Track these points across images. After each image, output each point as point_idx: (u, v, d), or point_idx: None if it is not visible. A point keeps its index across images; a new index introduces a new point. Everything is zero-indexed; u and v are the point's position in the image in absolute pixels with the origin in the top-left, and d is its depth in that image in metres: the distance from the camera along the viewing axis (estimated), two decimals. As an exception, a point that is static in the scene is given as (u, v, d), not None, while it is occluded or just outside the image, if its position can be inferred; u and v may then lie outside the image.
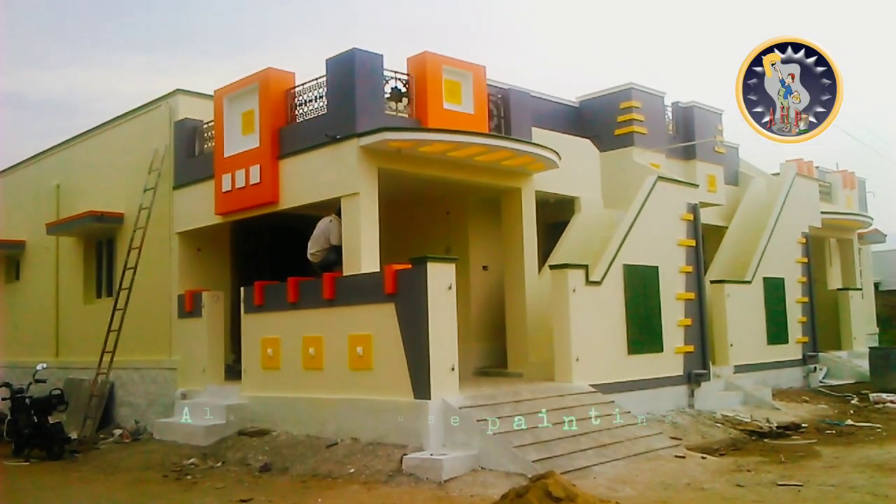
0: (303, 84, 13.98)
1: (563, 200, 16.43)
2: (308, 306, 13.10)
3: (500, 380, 14.23)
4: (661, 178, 16.12)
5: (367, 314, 12.08)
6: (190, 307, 15.64)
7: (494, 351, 15.97)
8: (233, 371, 15.37)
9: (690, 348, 15.87)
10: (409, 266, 11.47)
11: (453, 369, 11.36)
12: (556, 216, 16.97)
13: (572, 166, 15.85)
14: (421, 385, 11.20)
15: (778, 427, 14.72)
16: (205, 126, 16.21)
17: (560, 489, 7.08)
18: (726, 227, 20.99)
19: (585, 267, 13.96)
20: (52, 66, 61.08)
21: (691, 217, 16.43)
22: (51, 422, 14.24)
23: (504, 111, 14.94)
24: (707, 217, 19.48)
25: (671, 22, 69.19)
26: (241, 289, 14.53)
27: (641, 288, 15.02)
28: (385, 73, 13.29)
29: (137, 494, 11.14)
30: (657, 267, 15.43)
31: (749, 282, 19.12)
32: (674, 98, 20.02)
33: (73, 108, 59.22)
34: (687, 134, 19.84)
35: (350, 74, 12.82)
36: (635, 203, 15.46)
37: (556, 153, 14.38)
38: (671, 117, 19.80)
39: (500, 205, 15.42)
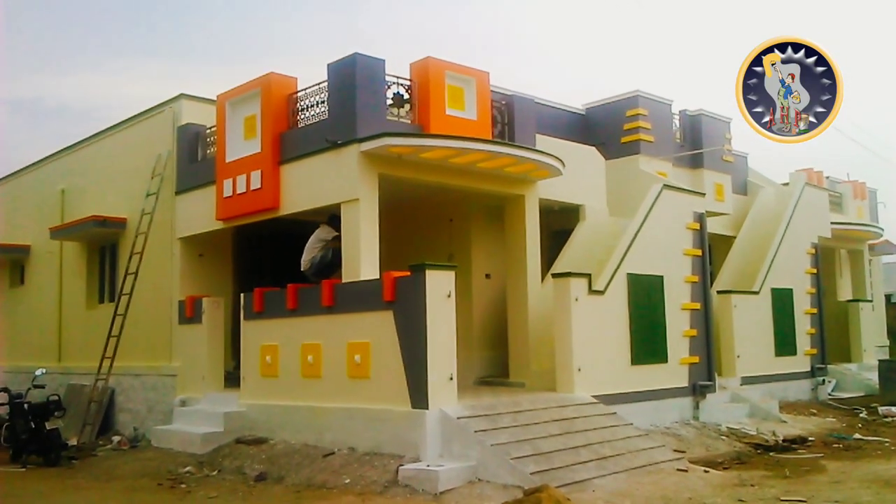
0: (304, 89, 13.87)
1: (568, 208, 16.25)
2: (307, 313, 12.96)
3: (500, 389, 14.04)
4: (666, 186, 15.93)
5: (365, 322, 11.92)
6: (190, 313, 15.53)
7: (496, 360, 15.77)
8: (233, 378, 15.22)
9: (696, 359, 15.64)
10: (408, 273, 11.30)
11: (451, 378, 11.18)
12: (560, 224, 16.79)
13: (577, 174, 15.67)
14: (418, 394, 11.02)
15: (784, 440, 14.45)
16: (208, 131, 16.13)
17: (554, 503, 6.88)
18: (734, 237, 20.78)
19: (589, 276, 13.77)
20: (64, 72, 61.23)
21: (698, 226, 16.22)
22: (48, 428, 14.13)
23: (508, 118, 14.79)
24: (715, 226, 19.29)
25: (678, 30, 69.04)
26: (241, 295, 14.40)
27: (646, 297, 14.81)
28: (387, 78, 13.17)
29: (129, 503, 10.99)
30: (662, 276, 15.22)
31: (757, 292, 18.87)
32: (681, 106, 19.84)
33: (84, 114, 59.44)
34: (694, 142, 19.64)
35: (351, 79, 12.69)
36: (640, 211, 15.27)
37: (560, 160, 14.21)
38: (678, 125, 19.60)
39: (503, 212, 15.25)
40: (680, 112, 19.75)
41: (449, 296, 11.26)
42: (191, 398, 15.40)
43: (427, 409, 10.87)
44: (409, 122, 13.36)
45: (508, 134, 14.69)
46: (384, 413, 11.42)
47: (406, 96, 13.42)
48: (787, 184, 22.88)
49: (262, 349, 13.72)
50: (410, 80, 13.48)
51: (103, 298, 19.27)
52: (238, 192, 14.53)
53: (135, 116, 18.24)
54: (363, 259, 12.39)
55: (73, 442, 15.83)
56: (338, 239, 13.25)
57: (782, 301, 19.62)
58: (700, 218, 16.33)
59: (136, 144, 18.08)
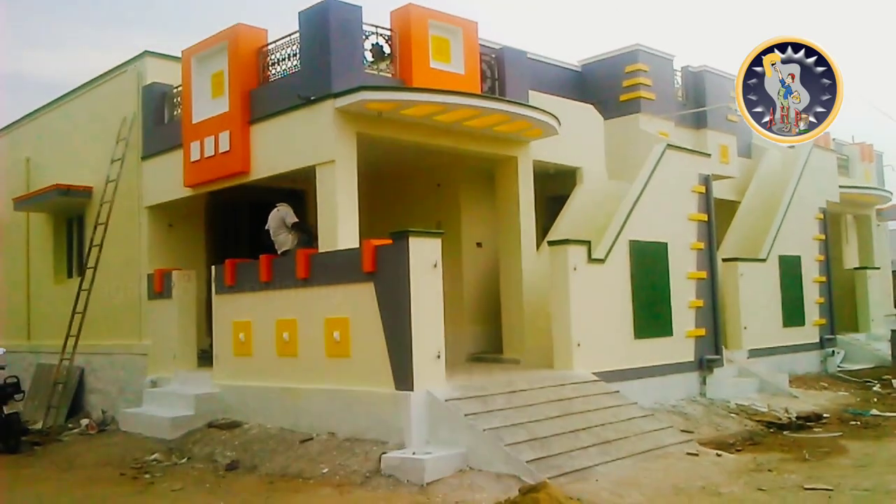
0: (275, 41, 12.70)
1: (564, 171, 15.18)
2: (282, 286, 11.88)
3: (493, 367, 13.03)
4: (670, 146, 14.83)
5: (344, 295, 10.85)
6: (160, 287, 14.45)
7: (489, 335, 14.76)
8: (208, 357, 14.13)
9: (702, 332, 14.63)
10: (390, 241, 10.21)
11: (439, 357, 10.13)
12: (556, 189, 15.72)
13: (574, 134, 14.57)
14: (402, 375, 9.98)
15: (798, 418, 13.53)
16: (175, 91, 14.93)
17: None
18: (738, 202, 19.75)
19: (588, 243, 12.70)
20: (45, 46, 59.36)
21: (703, 189, 15.14)
22: (6, 412, 13.09)
23: (498, 72, 13.63)
24: (718, 191, 18.13)
25: None
26: (213, 267, 13.31)
27: (649, 266, 13.77)
28: (365, 28, 11.99)
29: (86, 497, 9.97)
30: (666, 243, 14.17)
31: (764, 260, 17.87)
32: (683, 62, 18.72)
33: (61, 86, 57.60)
34: (697, 101, 18.50)
35: (325, 28, 11.52)
36: (642, 174, 14.19)
37: (556, 118, 13.08)
38: (680, 83, 18.47)
39: (494, 176, 14.16)
40: (682, 68, 18.64)
41: (435, 266, 10.17)
42: (162, 378, 14.37)
43: (412, 390, 9.85)
44: (390, 76, 12.20)
45: (499, 90, 13.54)
46: (366, 395, 10.39)
47: (386, 49, 12.24)
48: (792, 147, 21.73)
49: (235, 325, 12.67)
50: (391, 30, 12.30)
51: (72, 273, 18.17)
52: (206, 155, 13.41)
53: (98, 78, 17.04)
54: (341, 226, 11.29)
55: (40, 426, 14.84)
56: (298, 226, 12.23)
57: (790, 269, 18.64)
58: (706, 180, 15.25)
59: (100, 108, 16.89)
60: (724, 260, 16.97)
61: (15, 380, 13.62)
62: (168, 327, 14.35)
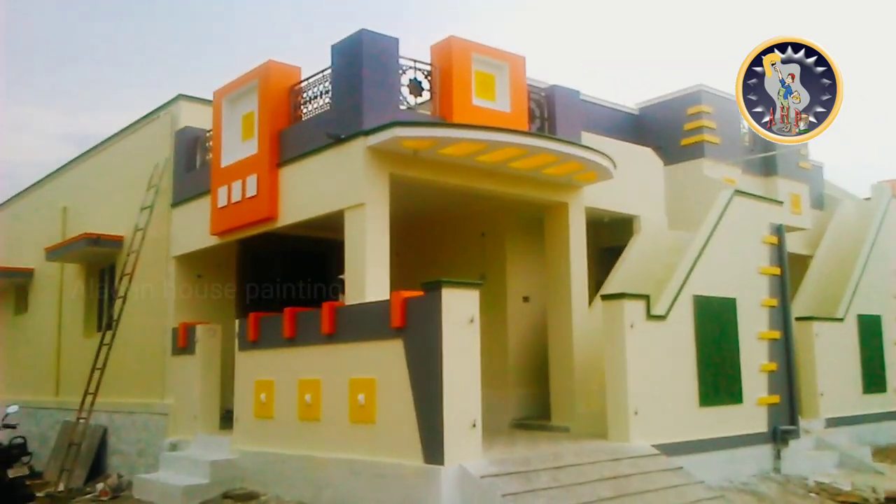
0: (308, 78, 11.82)
1: (620, 220, 13.98)
2: (306, 343, 10.80)
3: (539, 436, 11.69)
4: (738, 192, 13.52)
5: (370, 353, 9.71)
6: (183, 343, 13.52)
7: (536, 399, 13.43)
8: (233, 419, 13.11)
9: (776, 399, 13.08)
10: (421, 293, 9.07)
11: (475, 426, 8.86)
12: (611, 239, 14.52)
13: (631, 179, 13.41)
14: (433, 446, 8.73)
15: (887, 499, 11.87)
16: (207, 135, 14.17)
17: None
18: (810, 257, 18.23)
19: (647, 298, 11.38)
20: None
21: (776, 240, 13.73)
22: (11, 476, 12.14)
23: (548, 112, 12.58)
24: (789, 244, 16.70)
25: (733, 21, 64.76)
26: (237, 322, 12.31)
27: (715, 324, 12.36)
28: (402, 62, 11.03)
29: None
30: (734, 299, 12.76)
31: (841, 319, 16.27)
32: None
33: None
34: (766, 145, 17.14)
35: (357, 61, 10.59)
36: (707, 222, 12.87)
37: (611, 159, 11.91)
38: (747, 126, 17.13)
39: (543, 225, 12.99)
40: (749, 112, 17.32)
41: (472, 321, 8.97)
42: (182, 441, 13.33)
43: (443, 464, 8.58)
44: (430, 114, 11.20)
45: (548, 131, 12.46)
46: (391, 468, 9.15)
47: (425, 84, 11.25)
48: (868, 199, 20.20)
49: (257, 385, 11.61)
50: (430, 65, 11.33)
51: (102, 326, 17.37)
52: (233, 200, 12.53)
53: (133, 124, 16.43)
54: (369, 276, 10.18)
55: (61, 488, 13.89)
56: None
57: (869, 329, 16.98)
58: (778, 230, 13.85)
59: (134, 154, 16.30)
60: (797, 319, 15.42)
61: (21, 440, 12.74)
62: (190, 386, 13.36)
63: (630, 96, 49.50)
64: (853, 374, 16.42)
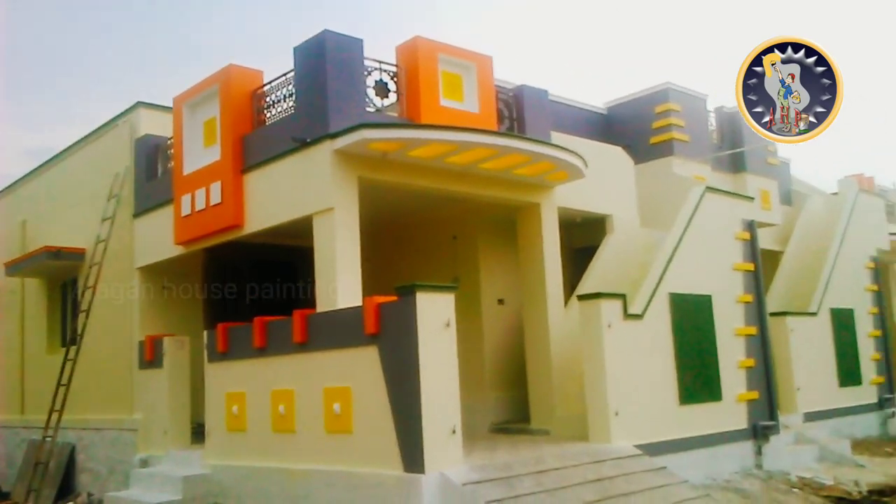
0: (271, 81, 11.54)
1: (592, 220, 13.86)
2: (278, 352, 10.52)
3: (520, 440, 11.49)
4: (709, 189, 13.46)
5: (344, 361, 9.45)
6: (150, 356, 13.16)
7: (514, 402, 13.24)
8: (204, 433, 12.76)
9: (755, 395, 13.01)
10: (395, 298, 8.84)
11: (454, 432, 8.65)
12: (584, 239, 14.40)
13: (602, 179, 13.28)
14: (412, 454, 8.50)
15: (870, 492, 11.85)
16: (168, 142, 13.81)
17: None
18: (781, 252, 18.25)
19: (623, 297, 11.25)
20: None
21: (748, 236, 13.69)
22: (-27, 500, 11.70)
23: (517, 112, 12.40)
24: (759, 240, 16.75)
25: (700, 20, 64.96)
26: (205, 333, 11.98)
27: (692, 322, 12.27)
28: (367, 62, 10.79)
29: None
30: (710, 296, 12.68)
31: (815, 314, 16.30)
32: (716, 103, 17.42)
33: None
34: (734, 142, 17.15)
35: (321, 63, 10.33)
36: (680, 220, 12.78)
37: (582, 158, 11.77)
38: (715, 124, 17.16)
39: (515, 226, 12.81)
40: (716, 109, 17.33)
41: (448, 325, 8.77)
42: (153, 456, 12.97)
43: (423, 472, 8.36)
44: (396, 115, 10.97)
45: (518, 131, 12.28)
46: (370, 478, 8.91)
47: (391, 86, 11.03)
48: (836, 193, 20.30)
49: (228, 397, 11.30)
50: (396, 66, 11.11)
51: (66, 341, 16.90)
52: (197, 209, 12.21)
53: (91, 133, 16.01)
54: (340, 282, 9.93)
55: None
56: None
57: (843, 323, 17.05)
58: (750, 226, 13.80)
59: (93, 164, 15.87)
60: (771, 314, 15.39)
61: (-15, 462, 12.27)
62: (159, 400, 13.01)
63: (598, 96, 49.60)
64: (829, 368, 16.49)
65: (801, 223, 18.87)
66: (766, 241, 17.64)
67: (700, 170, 15.84)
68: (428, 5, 63.83)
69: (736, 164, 17.26)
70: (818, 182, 21.11)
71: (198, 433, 12.90)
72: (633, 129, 16.12)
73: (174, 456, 12.48)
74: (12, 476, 16.43)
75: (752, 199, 14.83)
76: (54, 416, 13.89)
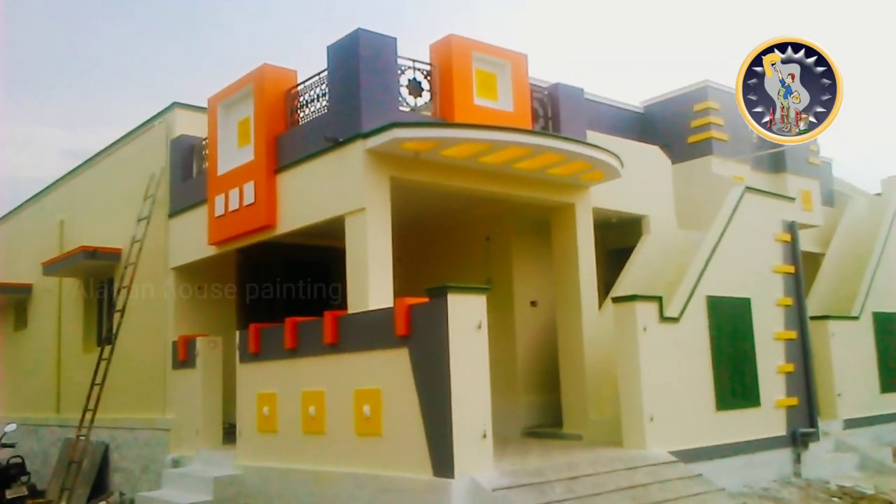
0: (305, 81, 11.50)
1: (628, 220, 13.65)
2: (308, 353, 10.46)
3: (552, 444, 11.32)
4: (749, 189, 13.18)
5: (375, 363, 9.36)
6: (184, 356, 13.20)
7: (547, 406, 13.07)
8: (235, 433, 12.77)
9: (794, 401, 12.71)
10: (426, 300, 8.73)
11: (485, 436, 8.52)
12: (619, 241, 14.19)
13: (638, 178, 13.06)
14: (442, 458, 8.38)
15: (913, 501, 11.47)
16: (203, 143, 13.85)
17: None
18: (822, 255, 17.85)
19: (659, 299, 11.03)
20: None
21: (789, 238, 13.39)
22: (9, 496, 11.81)
23: (552, 110, 12.25)
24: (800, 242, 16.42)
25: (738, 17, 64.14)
26: (237, 333, 11.97)
27: (730, 325, 12.01)
28: (401, 61, 10.71)
29: None
30: (749, 299, 12.40)
31: (857, 318, 15.87)
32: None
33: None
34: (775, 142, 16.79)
35: (354, 62, 10.27)
36: (718, 221, 12.52)
37: (618, 158, 11.57)
38: (755, 123, 16.80)
39: (549, 227, 12.64)
40: (756, 107, 16.97)
41: (479, 327, 8.63)
42: (185, 456, 13.02)
43: (453, 477, 8.23)
44: (430, 114, 10.87)
45: (553, 130, 12.13)
46: (399, 482, 8.80)
47: (425, 85, 10.93)
48: (879, 194, 19.84)
49: (260, 398, 11.25)
50: (430, 65, 11.01)
51: (101, 340, 17.04)
52: (231, 209, 12.21)
53: (128, 134, 16.13)
54: (371, 283, 9.85)
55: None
56: None
57: (885, 327, 16.57)
58: (791, 227, 13.50)
59: (129, 165, 16.01)
60: (812, 318, 15.04)
61: (20, 459, 12.42)
62: (192, 400, 13.04)
63: (634, 95, 49.09)
64: (870, 374, 16.00)
65: (843, 225, 18.47)
66: (806, 242, 17.27)
67: (739, 169, 15.55)
68: (462, 4, 63.64)
69: (776, 164, 16.93)
70: (861, 182, 20.66)
71: (229, 433, 12.92)
72: (671, 128, 15.88)
73: (205, 456, 12.50)
74: (48, 474, 16.59)
75: (793, 199, 14.51)
76: (88, 415, 13.98)
